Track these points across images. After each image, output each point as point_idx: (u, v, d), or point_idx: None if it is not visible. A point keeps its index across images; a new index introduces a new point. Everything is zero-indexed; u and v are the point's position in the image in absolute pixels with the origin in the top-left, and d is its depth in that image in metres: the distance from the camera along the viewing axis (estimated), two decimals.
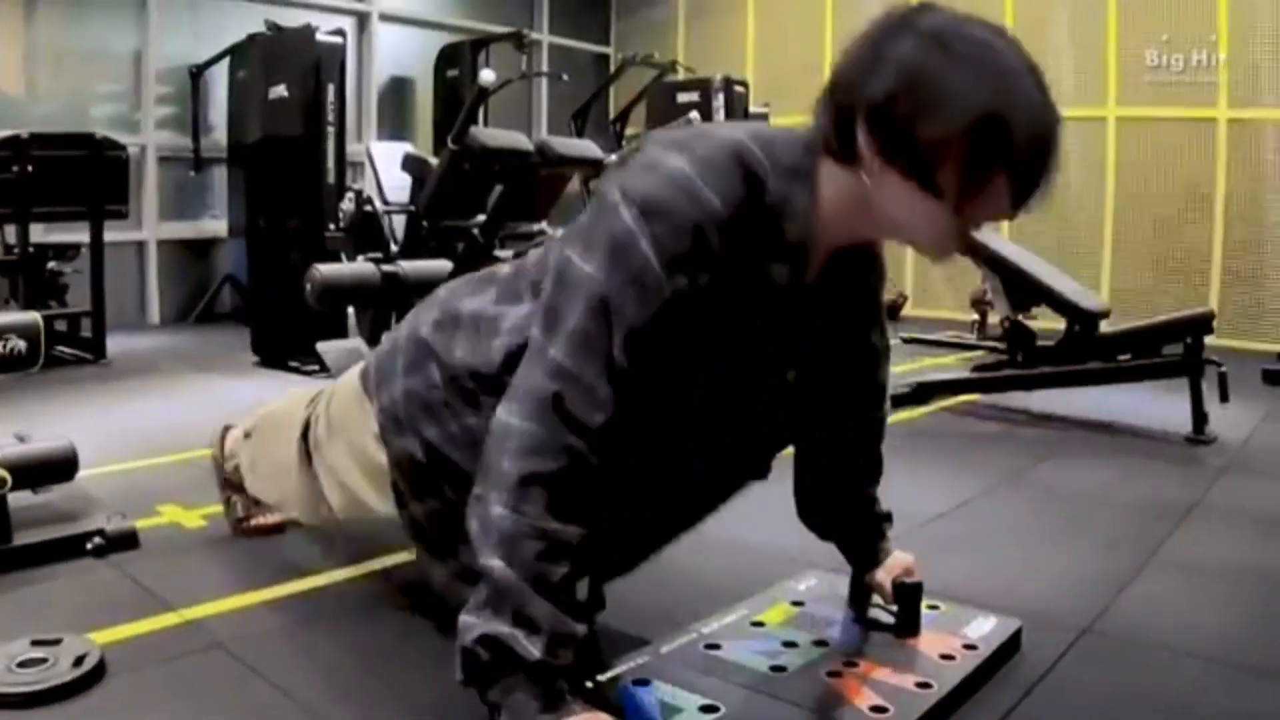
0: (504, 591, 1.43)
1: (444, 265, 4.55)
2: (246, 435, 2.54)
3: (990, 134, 1.38)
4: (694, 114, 7.88)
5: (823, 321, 1.78)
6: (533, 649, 1.42)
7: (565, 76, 9.64)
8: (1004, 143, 1.39)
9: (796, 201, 1.56)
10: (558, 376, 1.47)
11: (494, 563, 1.44)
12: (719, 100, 8.56)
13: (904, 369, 5.62)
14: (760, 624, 2.06)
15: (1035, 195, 1.47)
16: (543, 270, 1.70)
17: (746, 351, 1.67)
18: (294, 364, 5.64)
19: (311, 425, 2.17)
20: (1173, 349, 4.36)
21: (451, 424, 1.77)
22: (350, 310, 5.72)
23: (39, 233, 5.97)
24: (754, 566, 2.46)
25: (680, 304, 1.50)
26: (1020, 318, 4.72)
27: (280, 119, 6.04)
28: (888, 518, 2.12)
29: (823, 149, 1.55)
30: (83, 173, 5.68)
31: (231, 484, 2.70)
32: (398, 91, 9.59)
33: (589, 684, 1.49)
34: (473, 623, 1.45)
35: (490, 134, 4.76)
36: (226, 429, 2.71)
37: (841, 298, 1.81)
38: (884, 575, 2.07)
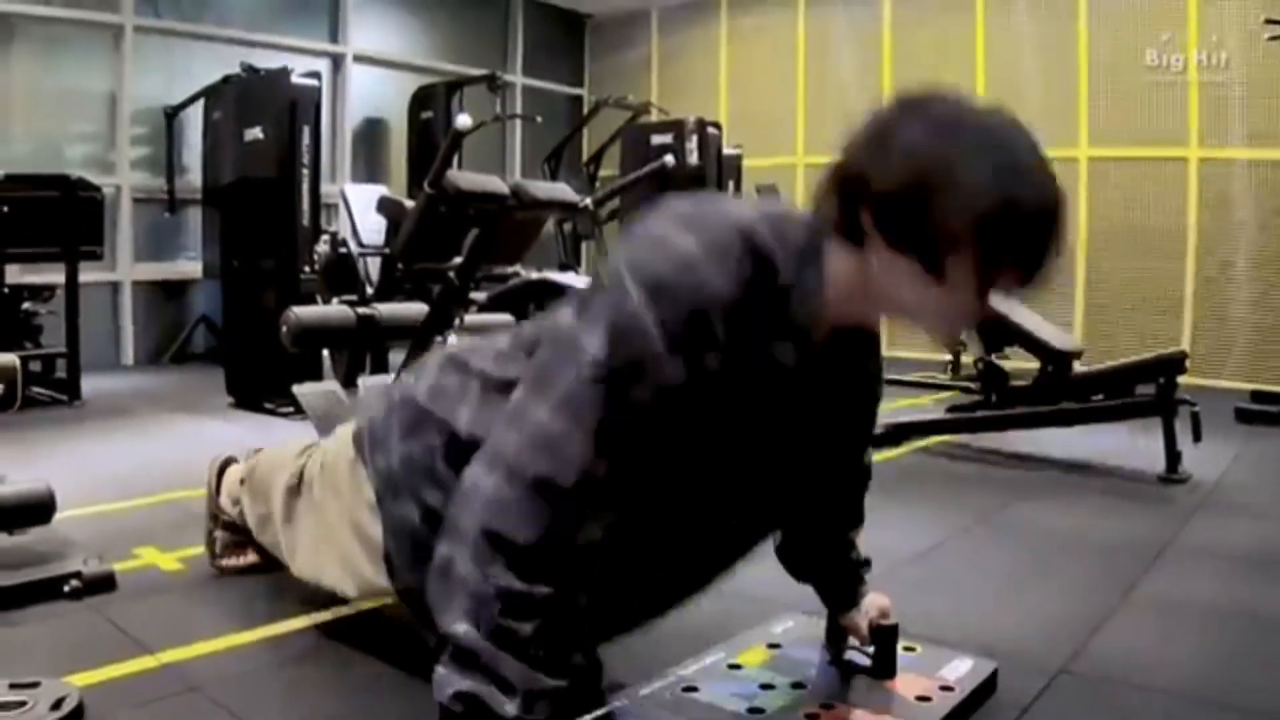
0: (472, 653, 1.42)
1: (419, 308, 4.55)
2: (241, 481, 2.52)
3: (1002, 225, 1.37)
4: (668, 157, 7.94)
5: (827, 403, 1.77)
6: (509, 706, 1.40)
7: (539, 119, 9.69)
8: (1015, 232, 1.39)
9: (808, 284, 1.55)
10: (537, 441, 1.46)
11: (460, 627, 1.43)
12: (692, 142, 8.59)
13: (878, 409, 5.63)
14: (738, 666, 2.06)
15: (1043, 274, 1.47)
16: (539, 334, 1.69)
17: (752, 434, 1.65)
18: (269, 406, 5.63)
19: (305, 486, 2.16)
20: (1146, 389, 4.39)
21: (451, 490, 1.76)
22: (325, 352, 5.72)
23: (14, 273, 5.95)
24: (731, 609, 2.44)
25: (684, 386, 1.48)
26: (994, 358, 4.76)
27: (255, 161, 6.06)
28: (866, 563, 2.13)
29: (830, 231, 1.53)
30: (57, 214, 5.70)
31: (217, 518, 2.71)
32: (372, 133, 9.64)
33: None
34: (447, 676, 1.44)
35: (466, 177, 4.75)
36: (228, 461, 2.70)
37: (845, 378, 1.81)
38: (860, 617, 2.07)
